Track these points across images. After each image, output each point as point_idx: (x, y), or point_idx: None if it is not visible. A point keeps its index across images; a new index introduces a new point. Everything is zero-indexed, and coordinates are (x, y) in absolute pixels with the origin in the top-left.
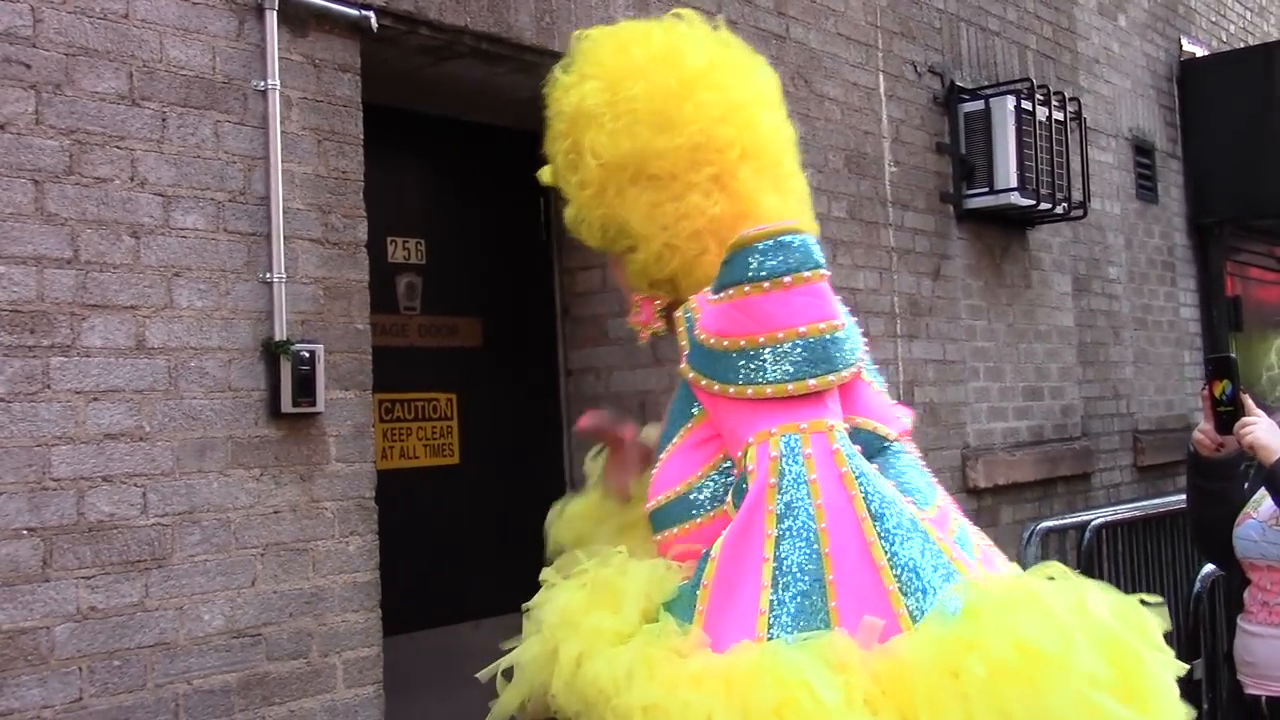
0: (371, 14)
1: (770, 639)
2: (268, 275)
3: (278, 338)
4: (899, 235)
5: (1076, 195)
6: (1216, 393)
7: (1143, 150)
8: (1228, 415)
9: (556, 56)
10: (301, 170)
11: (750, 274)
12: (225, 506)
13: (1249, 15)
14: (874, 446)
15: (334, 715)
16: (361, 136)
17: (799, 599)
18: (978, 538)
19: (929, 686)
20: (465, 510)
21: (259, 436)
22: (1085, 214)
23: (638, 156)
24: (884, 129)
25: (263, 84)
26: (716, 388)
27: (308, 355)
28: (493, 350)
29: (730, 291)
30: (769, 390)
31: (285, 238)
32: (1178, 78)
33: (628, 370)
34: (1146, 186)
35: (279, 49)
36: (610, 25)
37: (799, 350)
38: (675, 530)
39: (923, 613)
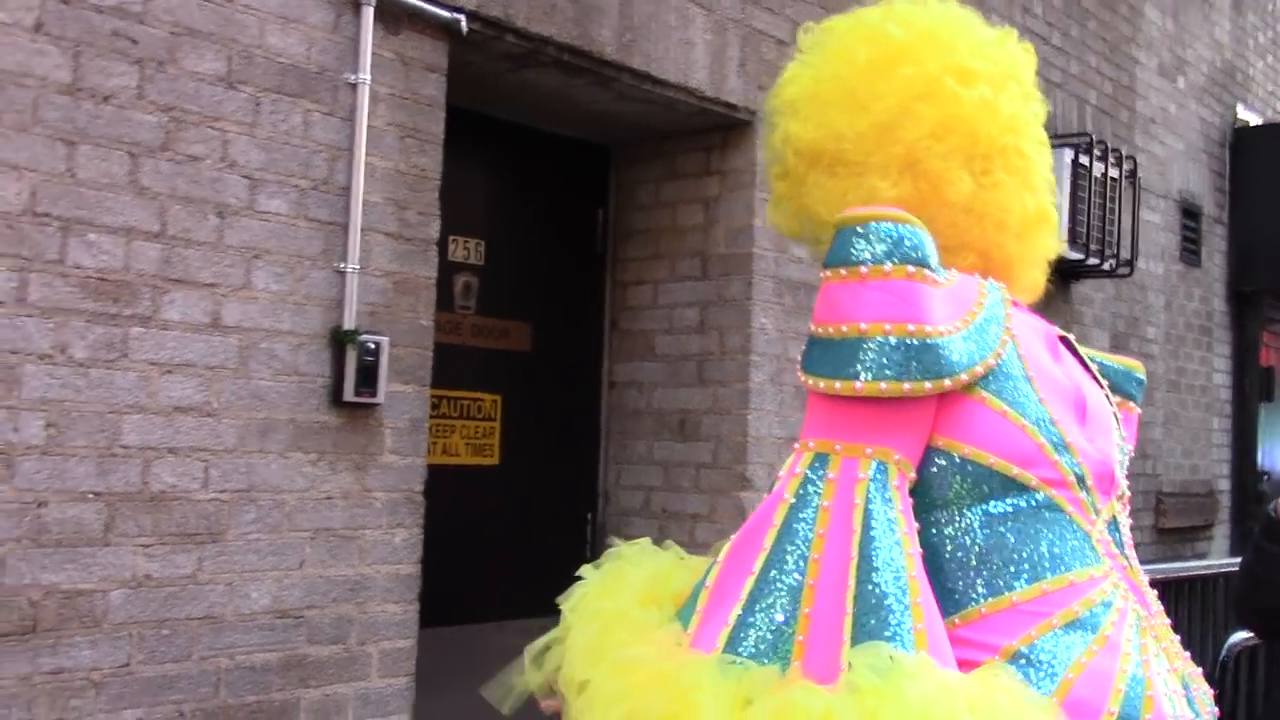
0: (463, 17)
1: (723, 653)
2: (341, 265)
3: (346, 327)
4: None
5: (1124, 253)
6: None
7: (1190, 213)
8: None
9: (633, 72)
10: (383, 165)
11: (830, 259)
12: (281, 488)
13: None
14: (993, 485)
15: (366, 703)
16: (443, 136)
17: (767, 621)
18: (1160, 631)
19: None
20: (499, 511)
21: (319, 422)
22: (1132, 272)
23: (828, 141)
24: None
25: (353, 77)
26: (804, 380)
27: (373, 346)
28: (540, 356)
29: (825, 272)
30: (838, 385)
31: (361, 229)
32: (1230, 144)
33: (671, 388)
34: (1191, 249)
35: (372, 44)
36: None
37: (876, 345)
38: None
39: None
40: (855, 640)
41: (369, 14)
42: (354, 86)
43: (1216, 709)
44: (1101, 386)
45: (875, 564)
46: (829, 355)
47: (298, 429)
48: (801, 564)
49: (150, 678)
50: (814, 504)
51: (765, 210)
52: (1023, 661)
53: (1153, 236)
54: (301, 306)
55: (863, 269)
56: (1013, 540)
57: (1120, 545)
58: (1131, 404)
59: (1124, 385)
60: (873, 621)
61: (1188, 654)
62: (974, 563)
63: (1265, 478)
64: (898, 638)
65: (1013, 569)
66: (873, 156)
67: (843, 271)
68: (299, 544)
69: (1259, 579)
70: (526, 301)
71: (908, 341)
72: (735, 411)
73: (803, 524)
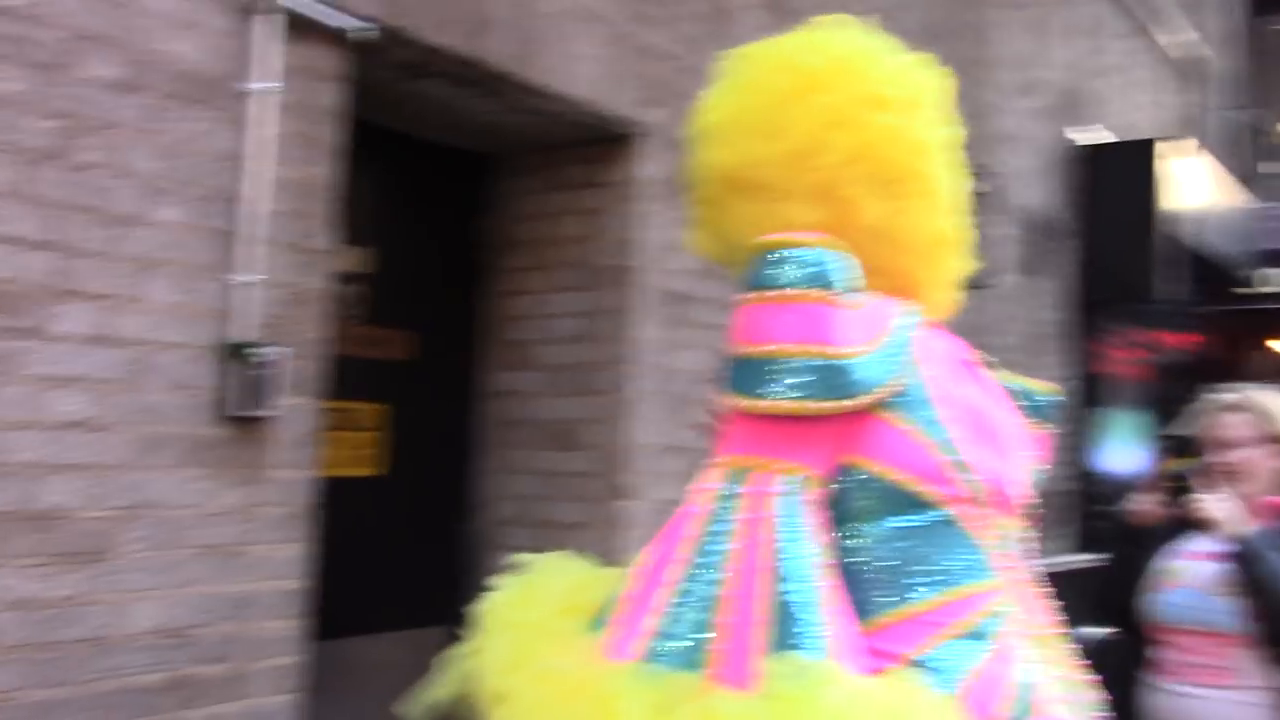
0: (361, 26)
1: (639, 661)
2: (235, 276)
3: (239, 339)
4: None
5: (981, 265)
6: (1169, 470)
7: (1038, 228)
8: (1177, 492)
9: (524, 85)
10: (279, 174)
11: (754, 280)
12: (170, 504)
13: (1139, 110)
14: (896, 501)
15: None
16: (338, 146)
17: (682, 630)
18: (1051, 642)
19: None
20: (382, 523)
21: (210, 436)
22: (990, 285)
23: (745, 167)
24: None
25: (251, 85)
26: (725, 398)
27: (267, 359)
28: (424, 365)
29: (742, 295)
30: (745, 404)
31: (257, 240)
32: (1076, 161)
33: (551, 398)
34: (1037, 263)
35: (270, 52)
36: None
37: (790, 366)
38: None
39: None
40: (769, 648)
41: (267, 21)
42: (251, 94)
43: (1105, 712)
44: (1012, 408)
45: (787, 575)
46: (746, 374)
47: (188, 444)
48: (716, 575)
49: (36, 702)
50: (729, 517)
51: (646, 222)
52: (922, 669)
53: (1005, 250)
54: (194, 318)
55: (775, 292)
56: (914, 554)
57: (1015, 559)
58: (1046, 424)
59: (1037, 406)
60: (786, 630)
61: (1078, 662)
62: (878, 575)
63: (1102, 480)
64: (809, 646)
65: (913, 581)
66: (790, 183)
67: (758, 294)
68: (187, 561)
69: (1115, 580)
70: (411, 311)
71: (819, 362)
72: (614, 421)
73: (718, 536)
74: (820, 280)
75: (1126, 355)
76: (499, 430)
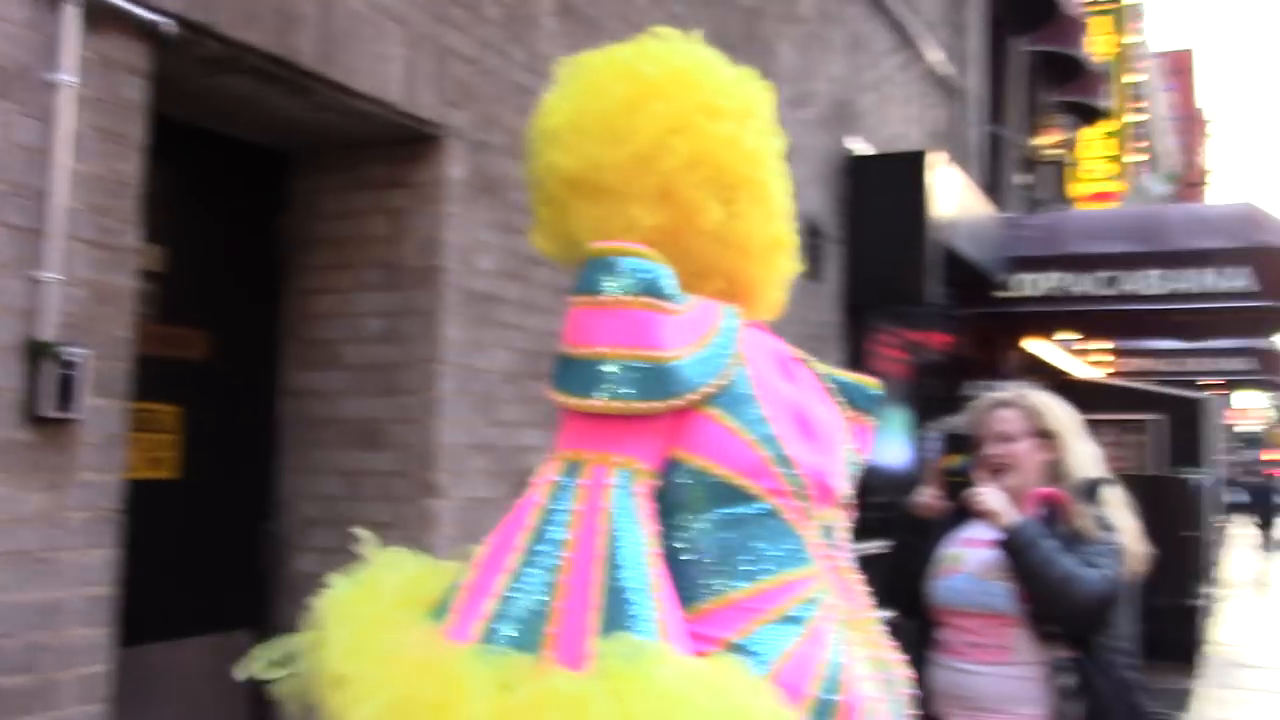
0: (167, 20)
1: (479, 644)
2: (38, 273)
3: (43, 339)
4: None
5: None
6: (949, 463)
7: (813, 233)
8: (957, 484)
9: (330, 82)
10: (83, 169)
11: (578, 286)
12: None
13: (903, 122)
14: (719, 494)
15: None
16: (144, 141)
17: (520, 614)
18: (863, 624)
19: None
20: (184, 526)
21: (14, 440)
22: None
23: (588, 170)
24: None
25: (53, 77)
26: (552, 394)
27: (73, 360)
28: (220, 365)
29: (572, 298)
30: (573, 403)
31: (61, 236)
32: (846, 171)
33: (356, 397)
34: (813, 267)
35: (73, 44)
36: (597, 50)
37: (613, 368)
38: None
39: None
40: (603, 631)
41: (70, 12)
42: (53, 87)
43: (919, 689)
44: (833, 402)
45: (621, 562)
46: (575, 374)
47: None
48: (553, 562)
49: None
50: (566, 507)
51: (451, 223)
52: (740, 652)
53: None
54: None
55: (604, 297)
56: (736, 544)
57: (834, 548)
58: (867, 417)
59: (858, 400)
60: (618, 614)
61: (892, 643)
62: (702, 563)
63: (872, 473)
64: (641, 628)
65: (735, 570)
66: (631, 186)
67: (588, 299)
68: None
69: (901, 567)
70: (207, 310)
71: (644, 365)
72: (422, 420)
73: (555, 526)
74: (647, 288)
75: (893, 355)
76: (302, 430)
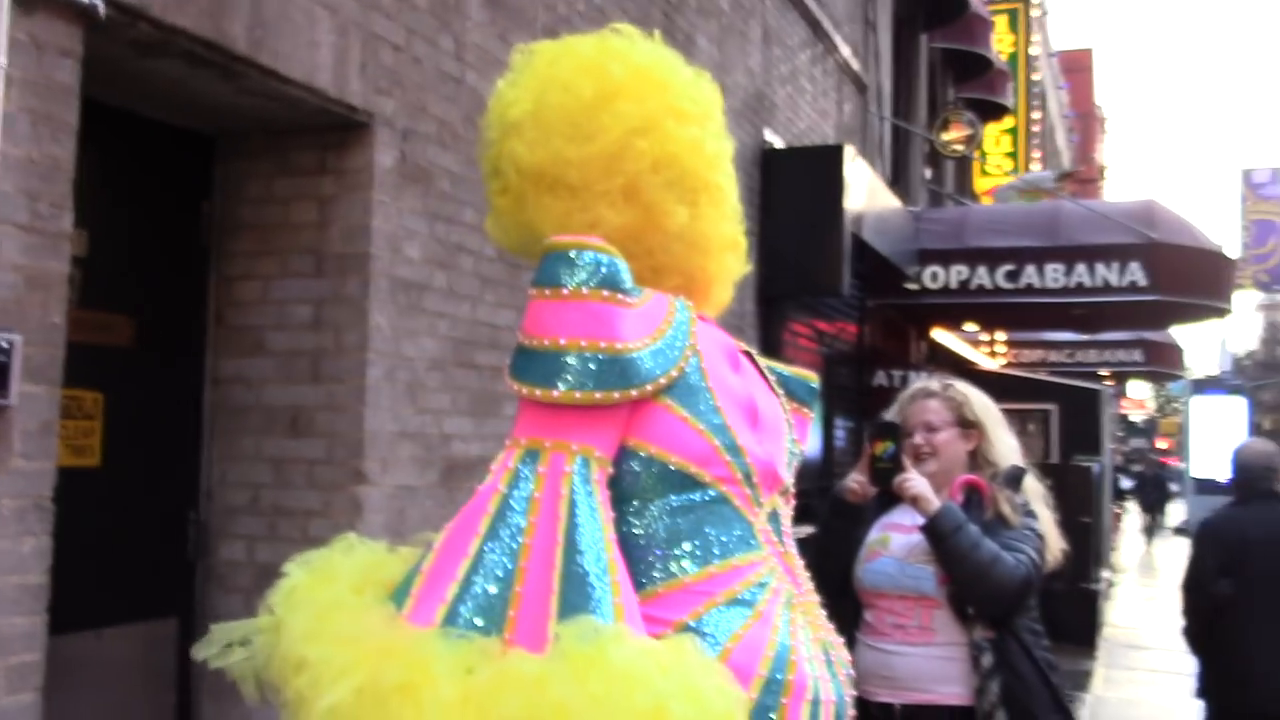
0: (99, 2)
1: (441, 627)
2: None
3: None
4: None
5: None
6: (878, 451)
7: None
8: (885, 471)
9: (261, 68)
10: (15, 153)
11: (538, 278)
12: None
13: (816, 116)
14: (672, 482)
15: None
16: (77, 125)
17: (482, 598)
18: (806, 605)
19: (489, 708)
20: (107, 515)
21: None
22: None
23: (553, 165)
24: None
25: None
26: (510, 381)
27: (4, 345)
28: (144, 351)
29: (532, 290)
30: (538, 393)
31: None
32: (760, 163)
33: (282, 384)
34: None
35: (3, 25)
36: (553, 40)
37: (573, 360)
38: None
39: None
40: (562, 613)
41: None
42: None
43: (853, 670)
44: (776, 394)
45: (580, 548)
46: (534, 365)
47: None
48: (514, 547)
49: None
50: (525, 494)
51: (379, 210)
52: (691, 634)
53: None
54: None
55: (565, 290)
56: (687, 530)
57: (779, 534)
58: (806, 409)
59: (798, 392)
60: (577, 597)
61: (832, 625)
62: (655, 548)
63: None
64: (599, 611)
65: (686, 555)
66: (596, 184)
67: (547, 291)
68: None
69: (828, 550)
70: (130, 295)
71: (601, 356)
72: (351, 408)
73: (515, 512)
74: (607, 281)
75: (806, 345)
76: (228, 417)
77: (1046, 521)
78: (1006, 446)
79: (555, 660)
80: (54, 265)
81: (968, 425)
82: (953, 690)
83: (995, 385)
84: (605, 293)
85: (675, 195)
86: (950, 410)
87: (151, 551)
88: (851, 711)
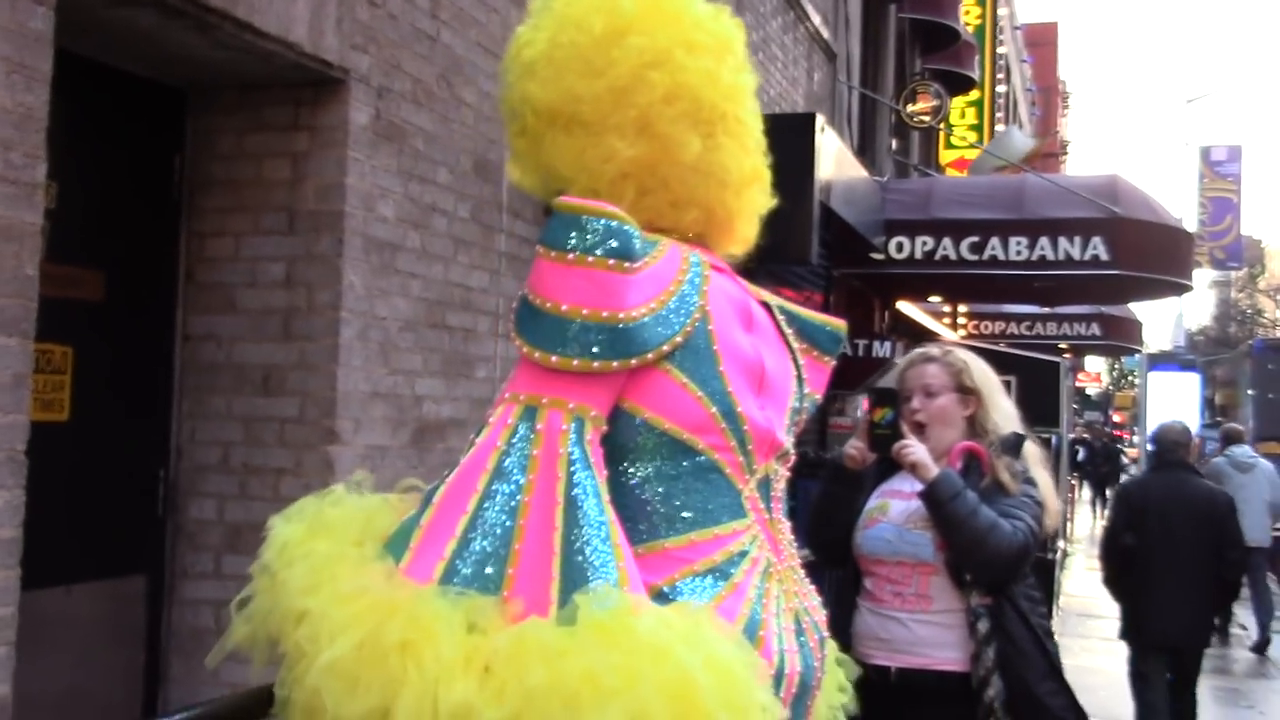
0: None
1: (440, 584)
2: None
3: None
4: (509, 241)
5: None
6: (876, 418)
7: None
8: (884, 438)
9: (236, 21)
10: None
11: (546, 238)
12: None
13: (785, 84)
14: (664, 446)
15: None
16: (51, 74)
17: (480, 555)
18: (784, 574)
19: (505, 675)
20: (75, 471)
21: None
22: None
23: (566, 102)
24: (507, 139)
25: None
26: (513, 335)
27: None
28: (114, 306)
29: (539, 249)
30: (537, 355)
31: None
32: None
33: (253, 342)
34: None
35: None
36: None
37: (575, 327)
38: None
39: (565, 604)
40: (565, 576)
41: None
42: None
43: (825, 632)
44: (789, 346)
45: (582, 509)
46: (537, 326)
47: None
48: (513, 505)
49: None
50: (524, 451)
51: (353, 168)
52: (663, 599)
53: None
54: None
55: (570, 255)
56: (674, 495)
57: (768, 500)
58: (827, 358)
59: (820, 340)
60: (581, 560)
61: (812, 588)
62: (640, 512)
63: None
64: (604, 576)
65: (669, 520)
66: (609, 118)
67: (553, 254)
68: None
69: (827, 517)
70: (99, 249)
71: (602, 325)
72: (324, 367)
73: (513, 469)
74: (610, 250)
75: None
76: (198, 375)
77: (1046, 488)
78: (1005, 413)
79: (576, 629)
80: (27, 216)
81: (966, 391)
82: (949, 655)
83: None
84: (611, 261)
85: (689, 126)
86: (949, 375)
87: (120, 508)
88: (820, 675)
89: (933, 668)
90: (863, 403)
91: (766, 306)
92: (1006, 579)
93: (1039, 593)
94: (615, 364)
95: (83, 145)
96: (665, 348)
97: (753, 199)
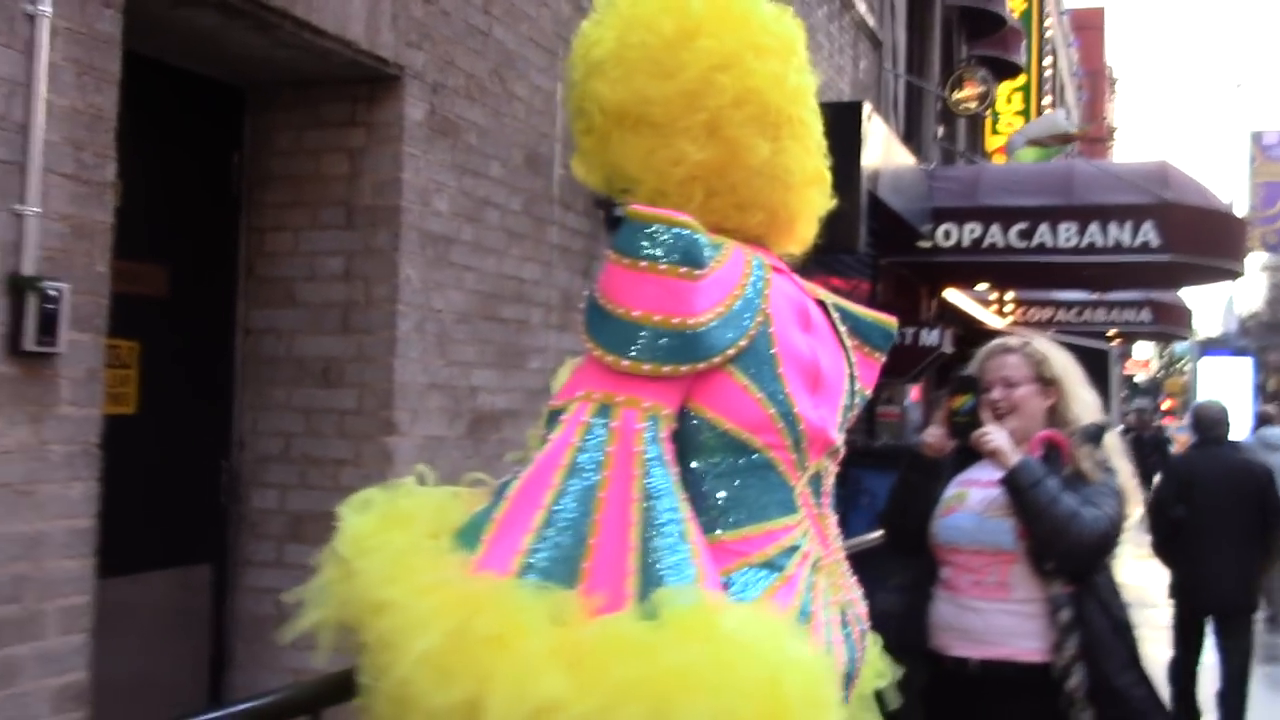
0: None
1: (518, 577)
2: (19, 207)
3: (25, 273)
4: (561, 233)
5: None
6: (956, 405)
7: None
8: (963, 425)
9: (295, 20)
10: (60, 102)
11: (618, 245)
12: None
13: (832, 73)
14: (723, 445)
15: (44, 663)
16: (119, 75)
17: (557, 549)
18: (831, 568)
19: (592, 669)
20: (143, 462)
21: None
22: None
23: (636, 103)
24: (558, 132)
25: (32, 8)
26: (583, 337)
27: (53, 293)
28: (177, 301)
29: (612, 255)
30: (608, 359)
31: (39, 170)
32: None
33: (312, 335)
34: None
35: None
36: None
37: (645, 333)
38: None
39: (646, 599)
40: (642, 571)
41: None
42: (32, 18)
43: (867, 624)
44: (844, 345)
45: (659, 506)
46: (608, 329)
47: None
48: (589, 500)
49: None
50: (599, 448)
51: (409, 163)
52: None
53: None
54: None
55: (643, 263)
56: (730, 491)
57: (818, 495)
58: (878, 354)
59: (872, 337)
60: (658, 557)
61: (855, 580)
62: (698, 506)
63: None
64: (682, 573)
65: (726, 515)
66: (678, 121)
67: (626, 260)
68: None
69: (904, 506)
70: (163, 245)
71: (671, 331)
72: (381, 359)
73: (589, 465)
74: (680, 258)
75: None
76: (258, 367)
77: (1126, 478)
78: (1086, 404)
79: (660, 625)
80: (98, 215)
81: (1046, 382)
82: (1030, 645)
83: None
84: (682, 269)
85: (757, 130)
86: (1029, 366)
87: (185, 499)
88: (861, 666)
89: (1014, 659)
90: (911, 391)
91: (822, 304)
92: (1088, 567)
93: (1118, 583)
94: (684, 368)
95: (145, 143)
96: (731, 351)
97: (813, 200)
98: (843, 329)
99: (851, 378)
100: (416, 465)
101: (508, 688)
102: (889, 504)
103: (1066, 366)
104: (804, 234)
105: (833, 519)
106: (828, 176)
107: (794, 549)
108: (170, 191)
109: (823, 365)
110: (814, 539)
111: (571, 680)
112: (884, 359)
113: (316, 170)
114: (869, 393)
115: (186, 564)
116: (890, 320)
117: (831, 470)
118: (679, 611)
